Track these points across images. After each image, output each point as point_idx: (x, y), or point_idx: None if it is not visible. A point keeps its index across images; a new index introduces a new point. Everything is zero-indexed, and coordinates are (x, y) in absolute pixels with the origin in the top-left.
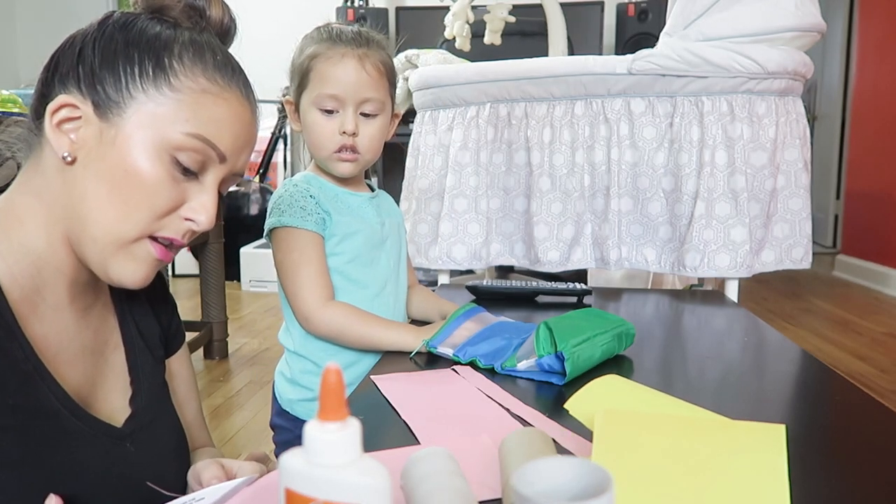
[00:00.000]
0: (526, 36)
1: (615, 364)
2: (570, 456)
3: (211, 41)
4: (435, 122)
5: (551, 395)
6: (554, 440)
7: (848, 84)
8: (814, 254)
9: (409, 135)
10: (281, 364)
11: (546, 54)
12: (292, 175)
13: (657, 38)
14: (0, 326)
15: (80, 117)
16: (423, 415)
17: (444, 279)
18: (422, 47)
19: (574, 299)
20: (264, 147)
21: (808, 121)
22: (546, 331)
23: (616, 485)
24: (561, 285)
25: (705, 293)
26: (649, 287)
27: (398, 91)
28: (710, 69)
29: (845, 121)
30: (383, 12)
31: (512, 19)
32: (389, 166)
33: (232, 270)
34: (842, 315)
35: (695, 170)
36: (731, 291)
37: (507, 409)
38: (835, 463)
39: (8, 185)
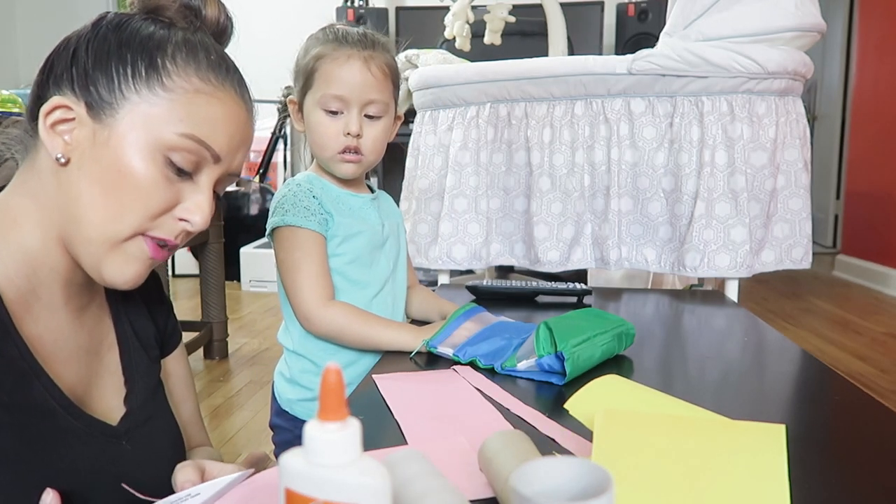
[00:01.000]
0: (526, 36)
1: (615, 364)
2: (570, 456)
3: (205, 41)
4: (435, 122)
5: (551, 395)
6: (554, 440)
7: (848, 84)
8: (814, 254)
9: (409, 135)
10: (280, 364)
11: (546, 54)
12: (292, 175)
13: (657, 38)
14: None
15: (73, 118)
16: (417, 415)
17: (444, 279)
18: (422, 47)
19: (574, 299)
20: (264, 147)
21: (808, 121)
22: (546, 331)
23: (616, 485)
24: (561, 285)
25: (705, 293)
26: (649, 287)
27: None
28: (710, 69)
29: (845, 121)
30: (383, 12)
31: (512, 19)
32: (389, 166)
33: (232, 270)
34: (842, 315)
35: (695, 170)
36: (731, 291)
37: (507, 409)
38: (835, 463)
39: (5, 185)
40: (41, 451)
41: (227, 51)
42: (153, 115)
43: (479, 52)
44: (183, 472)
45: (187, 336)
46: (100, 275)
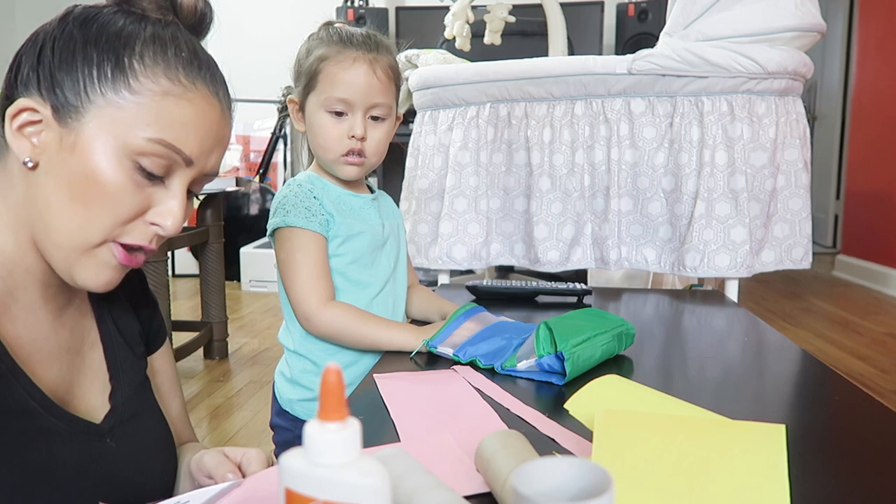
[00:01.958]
0: (526, 36)
1: (615, 364)
2: (570, 456)
3: (176, 35)
4: (435, 122)
5: (551, 395)
6: (554, 440)
7: (848, 84)
8: (814, 254)
9: (409, 135)
10: (281, 364)
11: (546, 54)
12: (292, 175)
13: (657, 38)
14: None
15: (40, 121)
16: (414, 415)
17: (444, 279)
18: (422, 47)
19: (574, 299)
20: (264, 147)
21: (808, 121)
22: (546, 331)
23: (616, 485)
24: (561, 285)
25: (705, 293)
26: (649, 287)
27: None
28: (710, 69)
29: (845, 121)
30: (383, 12)
31: (512, 19)
32: (389, 166)
33: (232, 270)
34: (842, 315)
35: (695, 170)
36: (731, 291)
37: (508, 409)
38: (835, 463)
39: None
40: (22, 451)
41: (227, 51)
42: (120, 120)
43: (479, 52)
44: (212, 457)
45: (187, 336)
46: (73, 280)
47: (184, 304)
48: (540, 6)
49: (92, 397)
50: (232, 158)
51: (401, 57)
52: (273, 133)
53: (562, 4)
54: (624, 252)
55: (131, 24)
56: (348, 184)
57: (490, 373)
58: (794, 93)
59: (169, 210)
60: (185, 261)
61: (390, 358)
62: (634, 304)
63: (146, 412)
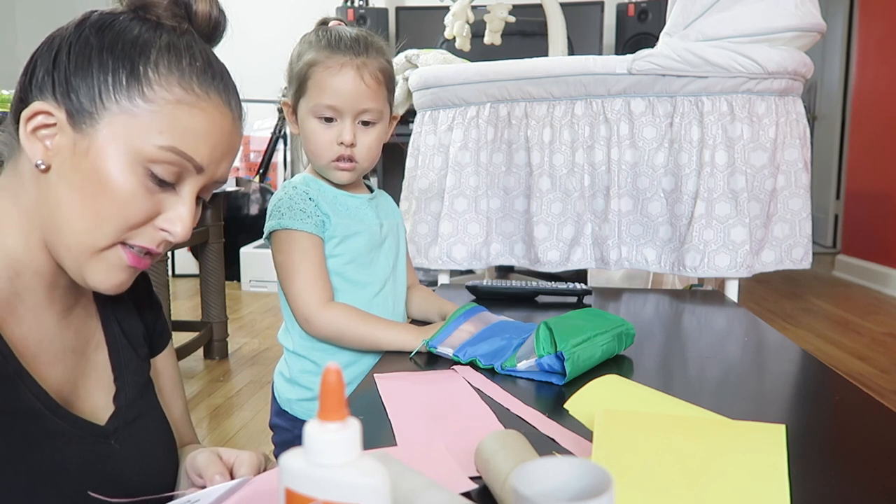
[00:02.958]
0: (526, 36)
1: (615, 364)
2: (570, 456)
3: (191, 44)
4: (435, 122)
5: (551, 395)
6: (554, 440)
7: (848, 84)
8: (814, 254)
9: (409, 135)
10: (280, 364)
11: (546, 54)
12: (292, 175)
13: (657, 38)
14: None
15: (54, 124)
16: (413, 415)
17: (444, 279)
18: (422, 47)
19: (574, 299)
20: (264, 147)
21: (808, 121)
22: (546, 331)
23: (616, 485)
24: (561, 285)
25: (705, 293)
26: (649, 287)
27: (398, 91)
28: (710, 69)
29: (845, 121)
30: (383, 12)
31: (512, 19)
32: (389, 166)
33: (232, 270)
34: (842, 315)
35: (695, 170)
36: (731, 291)
37: (508, 409)
38: (835, 463)
39: None
40: (27, 453)
41: (227, 51)
42: (133, 127)
43: (479, 52)
44: (204, 457)
45: (187, 336)
46: (83, 281)
47: (184, 304)
48: (540, 6)
49: (96, 399)
50: None
51: (401, 57)
52: (273, 133)
53: (562, 4)
54: (624, 252)
55: (147, 31)
56: (344, 184)
57: (490, 373)
58: (794, 93)
59: (178, 216)
60: (185, 261)
61: (390, 358)
62: (634, 304)
63: (149, 414)
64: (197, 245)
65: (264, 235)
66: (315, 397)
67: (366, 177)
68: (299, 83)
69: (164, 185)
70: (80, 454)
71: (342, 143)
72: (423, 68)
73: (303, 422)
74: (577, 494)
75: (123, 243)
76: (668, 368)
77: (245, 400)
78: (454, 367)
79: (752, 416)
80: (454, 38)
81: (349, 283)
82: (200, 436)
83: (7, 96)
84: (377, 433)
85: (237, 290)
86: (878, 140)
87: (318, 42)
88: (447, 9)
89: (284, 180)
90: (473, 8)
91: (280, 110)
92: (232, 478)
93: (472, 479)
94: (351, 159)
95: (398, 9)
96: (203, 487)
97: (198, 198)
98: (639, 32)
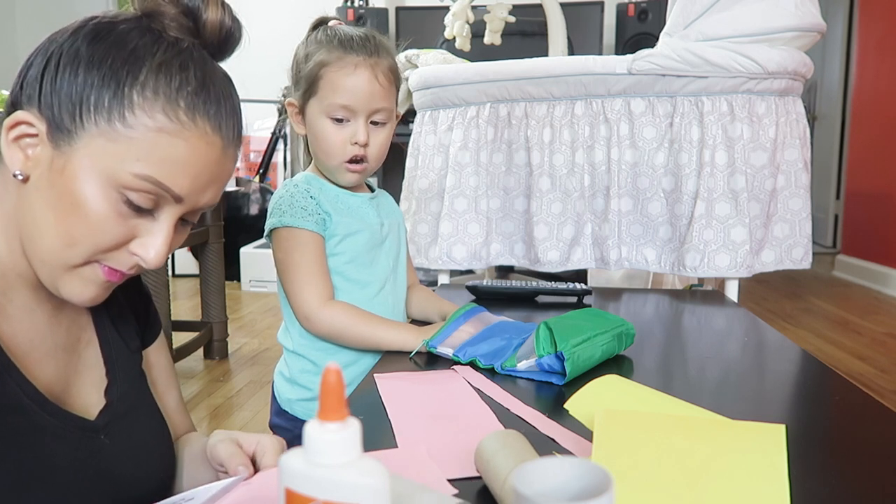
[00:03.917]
0: (526, 36)
1: (615, 364)
2: (570, 456)
3: (187, 64)
4: (435, 122)
5: (551, 395)
6: (554, 440)
7: (848, 84)
8: (814, 254)
9: (409, 135)
10: (280, 364)
11: (546, 54)
12: (292, 175)
13: (657, 38)
14: None
15: (36, 135)
16: (412, 415)
17: (444, 279)
18: (422, 47)
19: (574, 299)
20: (264, 147)
21: (808, 121)
22: (546, 331)
23: (616, 485)
24: (561, 285)
25: (705, 293)
26: (649, 287)
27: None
28: (710, 69)
29: (845, 121)
30: (383, 12)
31: (512, 19)
32: (389, 166)
33: (232, 270)
34: (842, 315)
35: (695, 170)
36: (731, 291)
37: (508, 409)
38: (835, 463)
39: None
40: (15, 448)
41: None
42: (110, 151)
43: (479, 52)
44: (225, 447)
45: (187, 336)
46: (58, 293)
47: (184, 304)
48: (540, 6)
49: (88, 394)
50: None
51: (401, 57)
52: (273, 133)
53: (562, 4)
54: (624, 252)
55: (143, 46)
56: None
57: (490, 373)
58: (794, 93)
59: (152, 244)
60: (185, 261)
61: (390, 358)
62: (634, 304)
63: (142, 407)
64: (197, 245)
65: (265, 233)
66: (315, 397)
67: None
68: (309, 83)
69: (141, 211)
70: (69, 450)
71: (356, 143)
72: (423, 68)
73: (303, 422)
74: (577, 494)
75: (98, 262)
76: (668, 368)
77: (245, 400)
78: (454, 367)
79: (752, 416)
80: (454, 38)
81: (349, 282)
82: None
83: (6, 96)
84: (377, 433)
85: (237, 290)
86: (878, 140)
87: (329, 42)
88: (447, 9)
89: (284, 180)
90: (473, 8)
91: (280, 110)
92: (255, 467)
93: (452, 481)
94: (363, 160)
95: (398, 9)
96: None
97: (185, 220)
98: (639, 32)
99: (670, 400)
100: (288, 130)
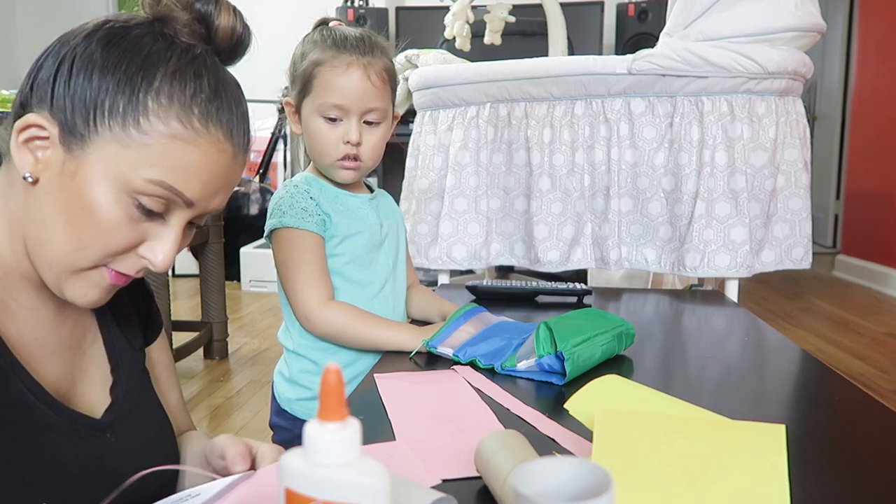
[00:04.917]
0: (526, 36)
1: (615, 364)
2: (570, 456)
3: (201, 71)
4: (435, 122)
5: (551, 395)
6: (554, 440)
7: (848, 84)
8: (814, 254)
9: (409, 135)
10: (280, 364)
11: (546, 54)
12: (292, 175)
13: (657, 38)
14: None
15: (47, 138)
16: (412, 415)
17: (444, 279)
18: (422, 47)
19: (574, 299)
20: (264, 147)
21: (808, 121)
22: (546, 331)
23: (616, 485)
24: (561, 285)
25: (705, 293)
26: (649, 287)
27: (398, 91)
28: (710, 69)
29: (845, 121)
30: (383, 12)
31: (512, 19)
32: (389, 166)
33: (232, 270)
34: (842, 315)
35: (695, 170)
36: (731, 291)
37: (508, 409)
38: (835, 463)
39: None
40: (21, 446)
41: None
42: (124, 157)
43: (479, 52)
44: (225, 437)
45: (187, 336)
46: (62, 295)
47: (184, 304)
48: (540, 6)
49: (94, 393)
50: None
51: (401, 57)
52: (273, 133)
53: (562, 4)
54: (624, 252)
55: (157, 51)
56: (345, 184)
57: (490, 373)
58: (794, 93)
59: (161, 248)
60: (185, 261)
61: (390, 358)
62: (634, 304)
63: (146, 405)
64: (197, 245)
65: (265, 234)
66: (315, 397)
67: (366, 176)
68: (304, 83)
69: (152, 214)
70: (74, 448)
71: (348, 142)
72: (423, 68)
73: (303, 421)
74: (577, 494)
75: (106, 266)
76: (668, 368)
77: (245, 400)
78: (454, 367)
79: (752, 416)
80: (454, 38)
81: (349, 282)
82: None
83: (7, 96)
84: (377, 433)
85: (237, 290)
86: (878, 140)
87: (324, 41)
88: (447, 9)
89: (284, 180)
90: (473, 8)
91: (280, 110)
92: (253, 468)
93: (452, 481)
94: (356, 158)
95: (398, 9)
96: (224, 469)
97: (192, 223)
98: (639, 32)
99: (670, 400)
100: (288, 130)
